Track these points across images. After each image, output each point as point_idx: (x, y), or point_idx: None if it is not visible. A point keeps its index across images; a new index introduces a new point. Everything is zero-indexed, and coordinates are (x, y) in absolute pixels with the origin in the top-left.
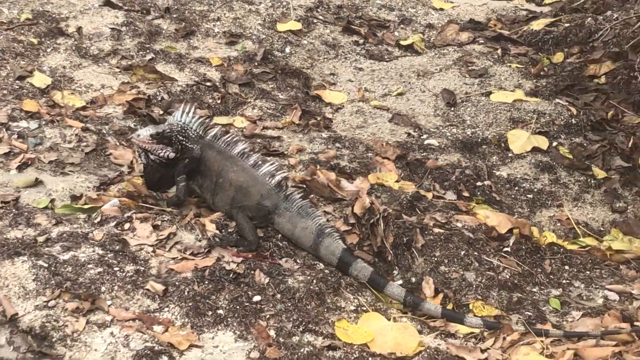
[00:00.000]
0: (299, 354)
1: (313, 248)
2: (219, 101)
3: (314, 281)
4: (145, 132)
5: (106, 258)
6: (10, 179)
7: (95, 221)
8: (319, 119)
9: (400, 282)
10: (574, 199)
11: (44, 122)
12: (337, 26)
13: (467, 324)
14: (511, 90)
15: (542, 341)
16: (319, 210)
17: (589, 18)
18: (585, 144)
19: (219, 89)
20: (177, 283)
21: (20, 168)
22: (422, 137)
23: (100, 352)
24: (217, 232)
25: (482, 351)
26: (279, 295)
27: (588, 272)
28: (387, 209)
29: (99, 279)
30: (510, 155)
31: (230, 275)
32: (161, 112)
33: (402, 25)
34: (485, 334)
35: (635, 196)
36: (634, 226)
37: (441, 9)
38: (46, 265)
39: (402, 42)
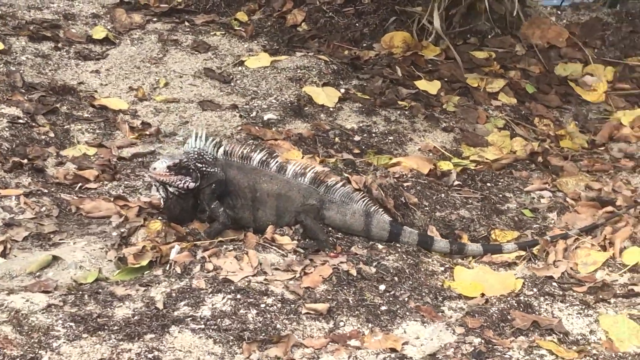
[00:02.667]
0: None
1: (365, 230)
2: None
3: (404, 257)
4: (161, 165)
5: (244, 299)
6: (10, 267)
7: (177, 272)
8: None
9: None
10: (418, 130)
11: None
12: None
13: (505, 251)
14: (255, 55)
15: (584, 240)
16: (359, 193)
17: None
18: (365, 85)
19: None
20: (327, 297)
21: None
22: (257, 115)
23: None
24: (295, 242)
25: (555, 265)
26: (396, 278)
27: (506, 183)
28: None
29: (263, 319)
30: (332, 109)
31: (350, 275)
32: None
33: (70, 21)
34: (523, 253)
35: (443, 115)
36: (472, 137)
37: None
38: (215, 326)
39: (96, 37)
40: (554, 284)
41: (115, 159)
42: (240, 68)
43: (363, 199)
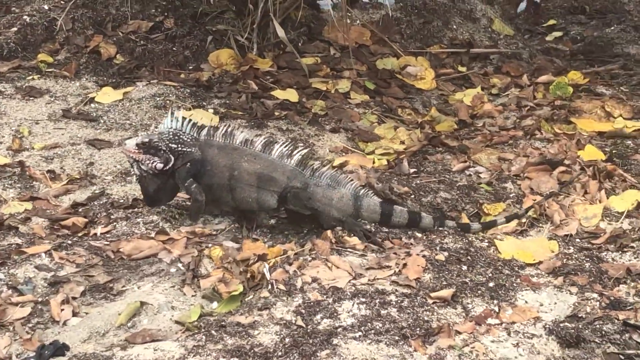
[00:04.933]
0: None
1: (355, 214)
2: None
3: (455, 238)
4: (131, 142)
5: (371, 301)
6: (92, 325)
7: (283, 290)
8: None
9: None
10: (311, 135)
11: None
12: None
13: (499, 224)
14: (97, 91)
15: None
16: (346, 176)
17: None
18: (228, 102)
19: None
20: (438, 284)
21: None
22: None
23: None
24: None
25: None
26: (469, 257)
27: (433, 167)
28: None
29: (406, 315)
30: None
31: (438, 261)
32: None
33: None
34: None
35: None
36: (363, 134)
37: None
38: (372, 330)
39: None
40: (577, 240)
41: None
42: (94, 105)
43: (351, 182)
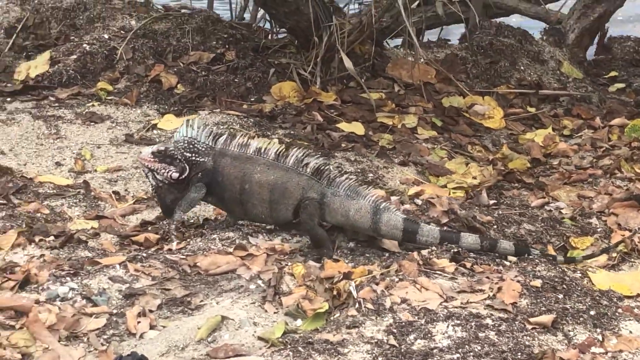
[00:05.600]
0: None
1: (373, 228)
2: None
3: (548, 266)
4: (147, 150)
5: (467, 323)
6: (170, 339)
7: (371, 309)
8: None
9: None
10: (380, 167)
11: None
12: None
13: (532, 253)
14: (159, 118)
15: None
16: (368, 187)
17: None
18: (292, 132)
19: None
20: (536, 310)
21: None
22: None
23: None
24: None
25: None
26: (564, 286)
27: (509, 202)
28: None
29: (506, 339)
30: None
31: (534, 287)
32: None
33: None
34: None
35: None
36: (434, 168)
37: None
38: (471, 352)
39: None
40: None
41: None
42: (156, 131)
43: (372, 195)
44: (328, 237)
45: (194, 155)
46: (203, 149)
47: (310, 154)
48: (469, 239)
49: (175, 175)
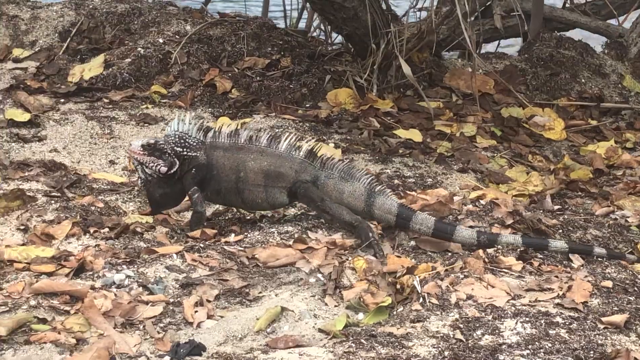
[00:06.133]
0: None
1: (366, 211)
2: None
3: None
4: (137, 143)
5: (535, 320)
6: (229, 329)
7: (436, 304)
8: None
9: None
10: (438, 173)
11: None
12: None
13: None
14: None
15: None
16: (363, 170)
17: None
18: (349, 138)
19: None
20: (608, 309)
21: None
22: None
23: None
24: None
25: None
26: (636, 288)
27: (572, 209)
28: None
29: (577, 337)
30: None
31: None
32: None
33: None
34: None
35: None
36: (494, 175)
37: None
38: (541, 349)
39: (18, 119)
40: None
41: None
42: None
43: (367, 177)
44: (343, 208)
45: (185, 149)
46: (194, 144)
47: (302, 138)
48: (465, 232)
49: (164, 169)
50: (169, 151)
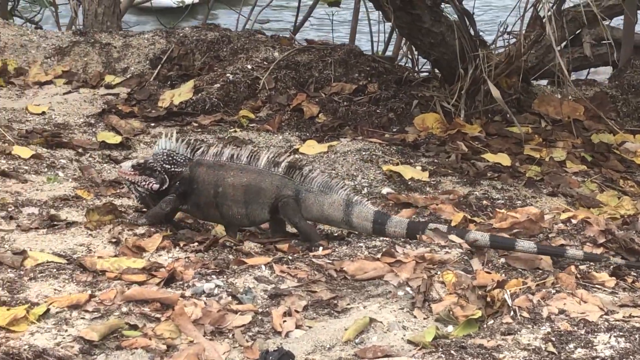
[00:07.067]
0: None
1: (345, 221)
2: None
3: None
4: (127, 164)
5: (630, 336)
6: (317, 339)
7: (527, 317)
8: None
9: None
10: (527, 197)
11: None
12: None
13: (518, 248)
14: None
15: None
16: (341, 182)
17: None
18: (436, 161)
19: None
20: None
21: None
22: (369, 192)
23: None
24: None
25: None
26: None
27: None
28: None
29: None
30: (432, 182)
31: None
32: None
33: (68, 131)
34: None
35: None
36: (584, 199)
37: None
38: None
39: (110, 142)
40: None
41: None
42: (298, 156)
43: (344, 188)
44: (313, 228)
45: (172, 166)
46: (181, 160)
47: (281, 154)
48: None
49: (156, 186)
50: (159, 169)
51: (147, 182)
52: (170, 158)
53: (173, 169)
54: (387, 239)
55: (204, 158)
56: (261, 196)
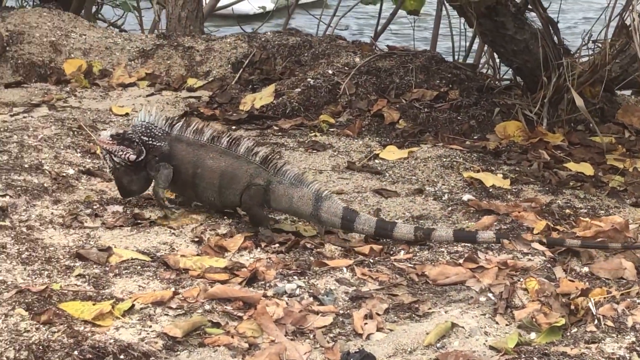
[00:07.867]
0: None
1: (314, 215)
2: None
3: None
4: (106, 133)
5: None
6: (398, 342)
7: (611, 326)
8: None
9: None
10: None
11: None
12: None
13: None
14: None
15: None
16: (314, 179)
17: None
18: (517, 169)
19: None
20: None
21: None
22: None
23: None
24: None
25: None
26: None
27: None
28: None
29: None
30: (514, 190)
31: None
32: None
33: None
34: None
35: None
36: None
37: None
38: None
39: None
40: None
41: None
42: (378, 161)
43: (315, 183)
44: (266, 216)
45: (150, 139)
46: (159, 134)
47: (260, 144)
48: (403, 229)
49: (133, 157)
50: (137, 140)
51: (125, 152)
52: (148, 130)
53: (151, 142)
54: (470, 244)
55: (183, 134)
56: (235, 182)
